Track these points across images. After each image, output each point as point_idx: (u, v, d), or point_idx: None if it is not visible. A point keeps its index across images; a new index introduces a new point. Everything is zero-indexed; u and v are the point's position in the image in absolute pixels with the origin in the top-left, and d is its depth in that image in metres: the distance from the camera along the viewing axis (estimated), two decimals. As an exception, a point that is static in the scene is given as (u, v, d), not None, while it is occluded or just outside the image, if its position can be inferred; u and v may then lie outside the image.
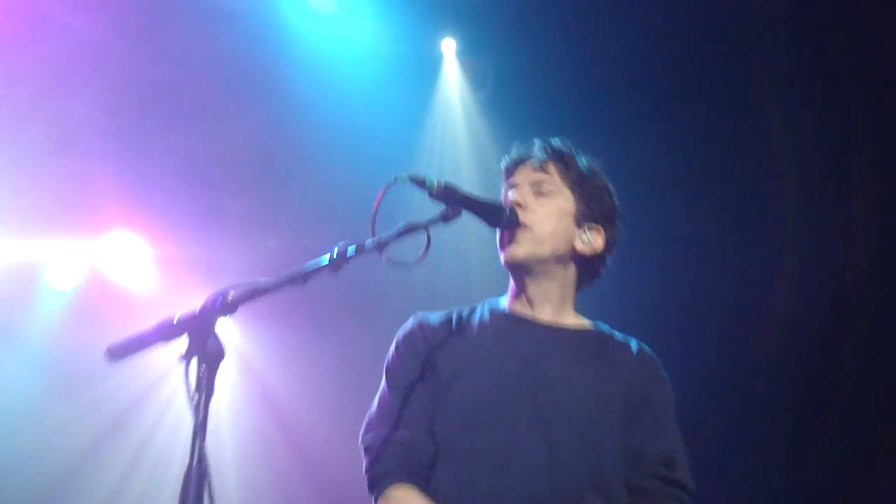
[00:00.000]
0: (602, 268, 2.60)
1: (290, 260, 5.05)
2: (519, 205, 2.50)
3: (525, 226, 2.49)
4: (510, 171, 2.61)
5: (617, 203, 2.63)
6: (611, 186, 2.63)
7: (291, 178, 5.67)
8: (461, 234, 5.70)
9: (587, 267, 2.58)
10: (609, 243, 2.58)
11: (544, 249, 2.49)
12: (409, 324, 2.54)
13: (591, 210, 2.56)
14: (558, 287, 2.55)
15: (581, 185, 2.56)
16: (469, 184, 5.40)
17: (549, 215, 2.51)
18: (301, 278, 2.01)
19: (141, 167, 5.45)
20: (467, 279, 5.72)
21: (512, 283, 2.58)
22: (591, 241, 2.55)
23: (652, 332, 2.70)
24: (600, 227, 2.58)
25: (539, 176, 2.56)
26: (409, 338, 2.50)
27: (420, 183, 2.21)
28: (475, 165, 5.71)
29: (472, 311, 2.58)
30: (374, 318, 5.84)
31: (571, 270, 2.57)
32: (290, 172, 5.65)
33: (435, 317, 2.54)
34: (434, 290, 5.69)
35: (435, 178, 2.25)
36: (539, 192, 2.53)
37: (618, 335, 2.59)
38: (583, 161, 2.62)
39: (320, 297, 5.76)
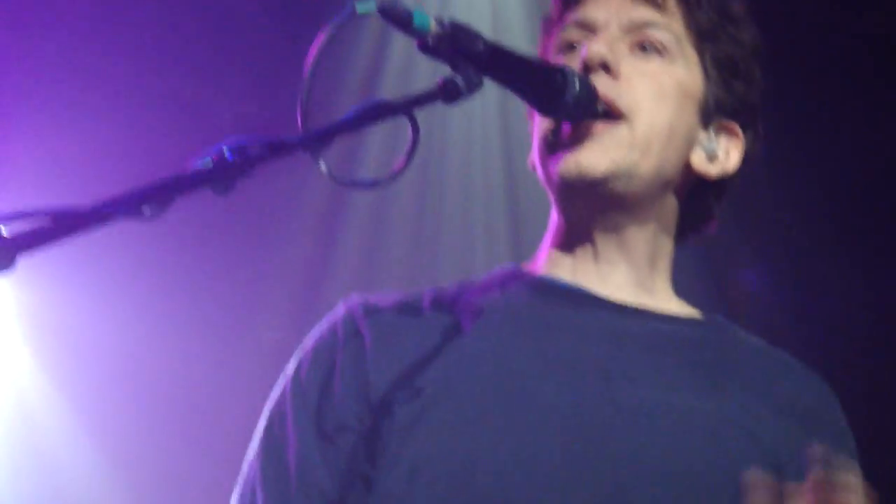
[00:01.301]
0: (717, 208, 2.12)
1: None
2: (605, 65, 1.94)
3: (618, 111, 1.94)
4: None
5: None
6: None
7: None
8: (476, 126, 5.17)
9: (699, 204, 2.08)
10: (742, 162, 2.08)
11: (648, 162, 1.96)
12: (334, 317, 1.98)
13: (732, 96, 2.06)
14: (650, 239, 2.03)
15: (719, 43, 2.05)
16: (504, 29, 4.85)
17: (664, 95, 1.98)
18: (151, 202, 1.55)
19: None
20: (470, 217, 5.19)
21: (559, 225, 2.05)
22: (724, 154, 2.06)
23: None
24: (739, 131, 2.07)
25: (644, 13, 2.02)
26: (325, 347, 1.94)
27: (401, 20, 1.69)
28: None
29: (466, 290, 2.04)
30: (279, 298, 5.32)
31: (673, 209, 2.05)
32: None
33: (388, 301, 1.99)
34: (409, 244, 5.18)
35: (431, 12, 1.72)
36: (643, 45, 2.01)
37: (755, 339, 2.07)
38: None
39: (181, 238, 5.17)
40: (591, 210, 2.00)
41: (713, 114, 2.04)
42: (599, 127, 1.94)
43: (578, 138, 1.94)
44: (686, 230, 2.09)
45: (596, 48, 1.95)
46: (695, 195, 2.06)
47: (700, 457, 1.86)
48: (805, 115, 4.93)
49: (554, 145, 1.98)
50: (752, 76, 2.08)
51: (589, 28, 2.02)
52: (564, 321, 1.96)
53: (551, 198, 2.05)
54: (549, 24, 2.09)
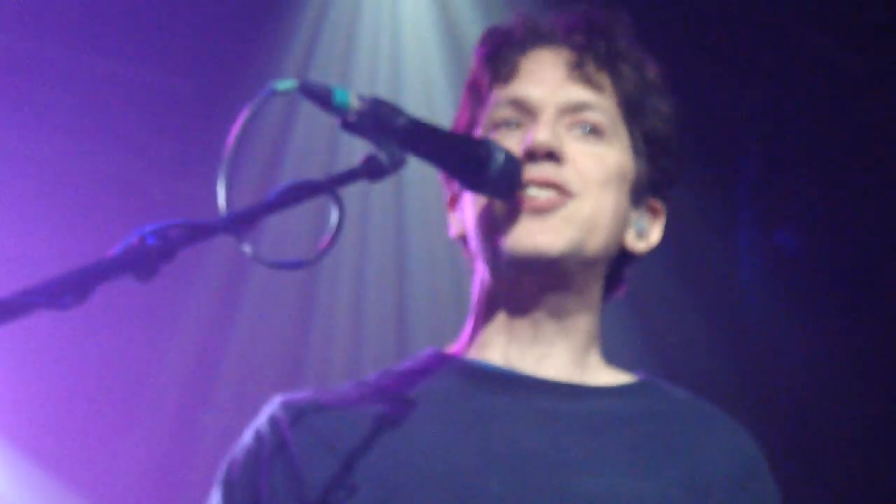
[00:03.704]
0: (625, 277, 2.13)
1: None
2: (551, 152, 1.93)
3: (568, 194, 1.94)
4: (505, 68, 2.03)
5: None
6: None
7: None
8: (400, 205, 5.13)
9: (618, 275, 2.09)
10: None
11: (595, 242, 1.95)
12: (257, 426, 1.96)
13: (659, 173, 2.06)
14: (589, 317, 2.02)
15: (646, 117, 2.04)
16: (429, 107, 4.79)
17: (608, 179, 1.97)
18: (72, 290, 1.52)
19: None
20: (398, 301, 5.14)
21: (493, 303, 2.02)
22: (648, 231, 2.07)
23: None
24: (662, 209, 2.09)
25: (581, 93, 2.00)
26: (250, 460, 1.93)
27: (321, 97, 1.69)
28: (442, 62, 4.99)
29: (392, 379, 2.01)
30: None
31: (601, 283, 2.05)
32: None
33: (313, 400, 1.97)
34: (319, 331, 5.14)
35: (351, 89, 1.73)
36: (585, 127, 1.99)
37: (683, 395, 2.08)
38: (641, 59, 2.07)
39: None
40: (540, 289, 1.96)
41: (642, 193, 2.04)
42: (548, 204, 1.92)
43: (527, 218, 1.92)
44: (605, 298, 2.08)
45: (541, 137, 1.93)
46: (615, 267, 2.06)
47: None
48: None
49: (500, 223, 1.94)
50: (674, 150, 2.08)
51: (524, 108, 1.99)
52: (502, 409, 1.93)
53: (486, 274, 2.00)
54: (477, 96, 2.06)
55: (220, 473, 1.94)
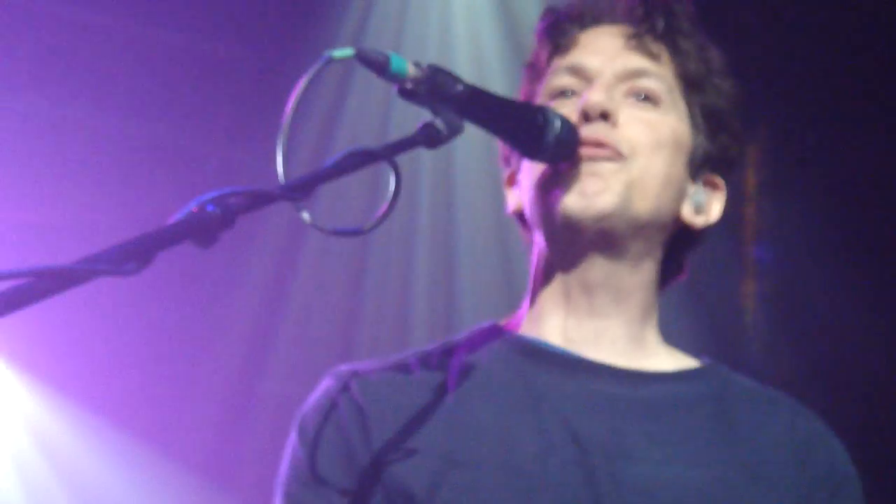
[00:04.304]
0: (688, 258, 2.11)
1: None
2: (605, 113, 1.93)
3: (619, 155, 1.93)
4: (563, 40, 2.04)
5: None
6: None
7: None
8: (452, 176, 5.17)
9: (677, 255, 2.07)
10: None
11: (645, 205, 1.94)
12: (324, 393, 1.96)
13: (718, 148, 2.05)
14: (644, 288, 2.00)
15: (706, 93, 2.04)
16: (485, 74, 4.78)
17: (661, 144, 1.96)
18: (133, 257, 1.51)
19: None
20: (450, 270, 5.15)
21: (550, 275, 2.01)
22: (706, 206, 2.05)
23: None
24: (722, 185, 2.07)
25: (639, 61, 2.00)
26: (323, 427, 1.93)
27: (378, 64, 1.69)
28: (496, 30, 4.77)
29: (452, 352, 2.00)
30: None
31: (659, 258, 2.02)
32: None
33: (378, 370, 1.97)
34: (373, 297, 5.16)
35: (408, 57, 1.72)
36: (638, 93, 1.99)
37: (748, 383, 2.05)
38: (705, 42, 2.07)
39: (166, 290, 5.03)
40: (592, 251, 1.95)
41: (700, 166, 2.03)
42: (599, 165, 1.92)
43: (578, 176, 1.92)
44: (664, 281, 2.07)
45: (595, 97, 1.93)
46: (675, 245, 2.05)
47: None
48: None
49: (553, 184, 1.94)
50: (735, 129, 2.07)
51: (582, 74, 1.99)
52: (560, 392, 1.92)
53: (543, 243, 2.00)
54: (535, 70, 2.06)
55: (297, 435, 1.95)
